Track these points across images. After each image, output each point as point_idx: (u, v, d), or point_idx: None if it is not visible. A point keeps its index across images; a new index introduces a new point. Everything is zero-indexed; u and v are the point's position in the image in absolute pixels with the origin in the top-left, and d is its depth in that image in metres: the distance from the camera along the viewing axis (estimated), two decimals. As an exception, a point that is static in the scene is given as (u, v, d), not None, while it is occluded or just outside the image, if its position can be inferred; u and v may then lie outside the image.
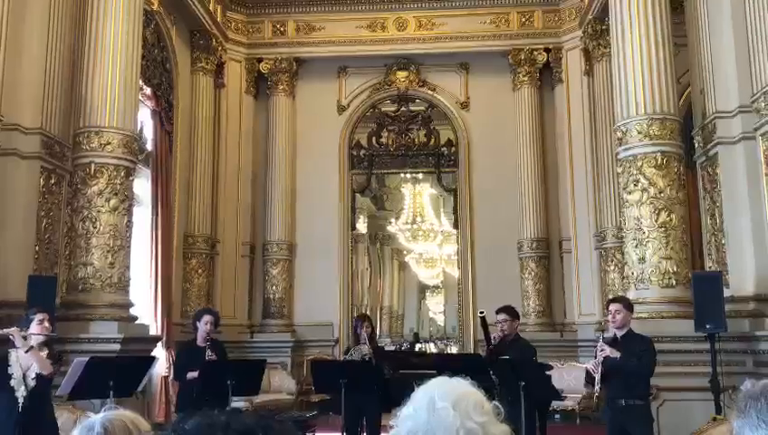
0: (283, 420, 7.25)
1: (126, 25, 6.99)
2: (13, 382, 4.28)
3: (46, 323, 4.46)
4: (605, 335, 5.11)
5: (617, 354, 4.84)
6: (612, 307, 5.11)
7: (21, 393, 4.26)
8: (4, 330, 4.33)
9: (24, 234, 6.19)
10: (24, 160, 6.19)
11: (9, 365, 4.31)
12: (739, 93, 6.36)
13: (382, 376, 6.04)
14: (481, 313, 6.22)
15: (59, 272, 6.61)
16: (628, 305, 5.18)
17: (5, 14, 5.85)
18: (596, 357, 4.98)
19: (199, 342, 5.75)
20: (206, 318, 5.76)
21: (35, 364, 4.28)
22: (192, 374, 5.47)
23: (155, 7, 8.78)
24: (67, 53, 6.78)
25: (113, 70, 6.84)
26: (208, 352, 5.56)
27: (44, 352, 4.41)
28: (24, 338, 4.32)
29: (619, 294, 8.16)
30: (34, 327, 4.40)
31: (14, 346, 4.32)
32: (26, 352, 4.28)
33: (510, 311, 6.05)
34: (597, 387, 4.92)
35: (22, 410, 4.24)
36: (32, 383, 4.29)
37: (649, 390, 5.14)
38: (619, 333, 5.01)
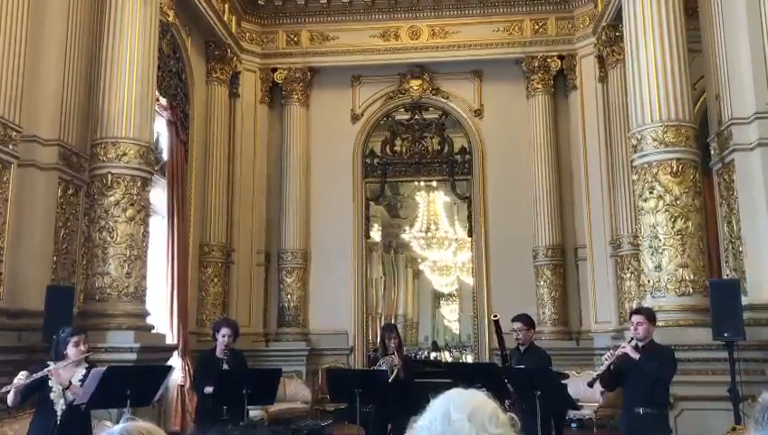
0: (298, 428, 7.24)
1: (142, 37, 7.07)
2: (52, 395, 4.32)
3: (82, 346, 4.45)
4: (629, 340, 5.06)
5: (636, 355, 4.81)
6: (635, 318, 5.05)
7: (60, 407, 4.30)
8: (44, 371, 4.30)
9: (43, 244, 6.26)
10: (42, 172, 6.27)
11: (49, 379, 4.34)
12: (755, 99, 6.31)
13: (413, 391, 6.03)
14: (495, 316, 6.20)
15: (76, 281, 6.67)
16: (651, 317, 5.11)
17: (24, 27, 5.94)
18: (616, 349, 4.98)
19: (218, 353, 5.77)
20: (224, 331, 5.78)
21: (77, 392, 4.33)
22: (209, 389, 5.51)
23: (170, 19, 8.87)
24: (84, 65, 6.87)
25: (130, 81, 6.91)
26: (224, 365, 5.57)
27: (82, 369, 4.44)
28: (59, 371, 4.35)
29: (636, 302, 8.12)
30: (71, 350, 4.41)
31: (48, 373, 4.33)
32: (65, 389, 4.31)
33: (525, 319, 6.02)
34: (601, 369, 4.95)
35: (60, 423, 4.27)
36: (71, 397, 4.32)
37: (668, 399, 5.09)
38: (641, 344, 4.95)
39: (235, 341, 5.89)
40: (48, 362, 4.39)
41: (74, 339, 4.44)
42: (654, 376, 4.81)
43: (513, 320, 6.05)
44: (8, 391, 4.19)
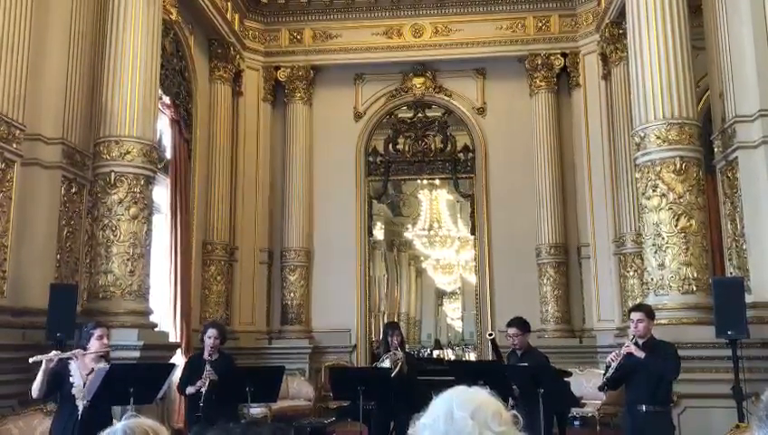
0: (301, 426, 7.25)
1: (145, 36, 7.07)
2: (74, 391, 4.36)
3: (105, 340, 4.57)
4: (631, 338, 5.01)
5: (641, 354, 4.78)
6: (635, 316, 5.03)
7: (82, 402, 4.34)
8: (68, 353, 4.42)
9: (46, 242, 6.27)
10: (45, 170, 6.29)
11: (71, 375, 4.39)
12: (759, 97, 6.29)
13: (417, 387, 6.04)
14: (490, 334, 6.23)
15: (80, 280, 6.68)
16: (651, 314, 5.10)
17: (27, 26, 5.95)
18: (620, 349, 4.94)
19: (205, 355, 5.77)
20: (210, 332, 5.76)
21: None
22: (191, 389, 5.52)
23: (173, 17, 8.88)
24: (87, 64, 6.88)
25: (133, 80, 6.92)
26: (208, 368, 5.53)
27: (102, 365, 4.48)
28: (83, 356, 4.43)
29: (639, 300, 8.11)
30: (94, 343, 4.51)
31: (74, 355, 4.42)
32: (89, 375, 4.38)
33: (520, 324, 6.02)
34: (610, 372, 4.88)
35: (81, 419, 4.30)
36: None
37: (671, 396, 5.07)
38: (641, 341, 4.93)
39: (223, 343, 5.87)
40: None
41: (98, 332, 4.55)
42: (659, 374, 4.79)
43: (508, 325, 6.04)
44: (39, 361, 4.27)
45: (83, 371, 4.40)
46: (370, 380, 6.07)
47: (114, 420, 4.57)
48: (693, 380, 5.86)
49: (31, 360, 4.32)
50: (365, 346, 10.98)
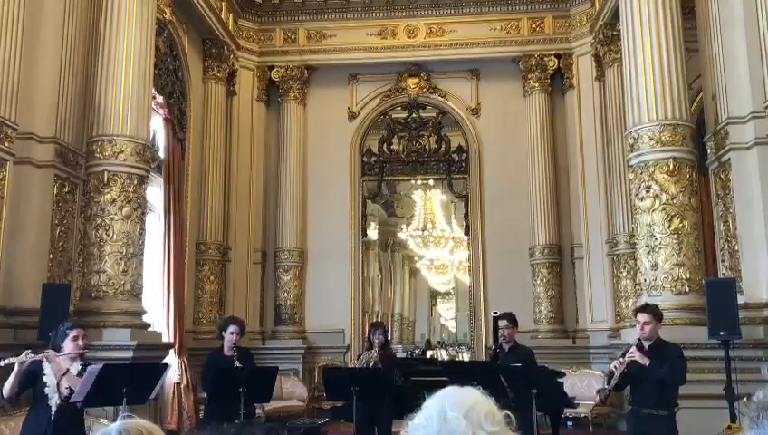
0: (294, 426, 7.25)
1: (139, 35, 7.06)
2: (47, 390, 4.30)
3: (80, 342, 4.44)
4: (636, 342, 4.80)
5: (646, 361, 4.62)
6: (641, 317, 4.80)
7: (54, 401, 4.28)
8: (39, 355, 4.32)
9: (38, 242, 6.25)
10: (38, 169, 6.26)
11: (44, 374, 4.33)
12: (752, 99, 6.33)
13: (393, 383, 6.11)
14: (495, 313, 6.29)
15: (72, 279, 6.66)
16: (658, 315, 4.87)
17: (21, 24, 5.92)
18: (624, 357, 4.73)
19: (226, 351, 5.80)
20: (232, 328, 5.83)
21: (71, 383, 4.32)
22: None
23: (167, 16, 8.86)
24: (81, 63, 6.86)
25: (126, 79, 6.90)
26: (236, 362, 5.61)
27: (77, 365, 4.42)
28: (56, 357, 4.35)
29: (632, 300, 8.13)
30: (68, 344, 4.41)
31: (46, 357, 4.34)
32: (62, 375, 4.31)
33: (511, 318, 6.08)
34: (612, 382, 4.72)
35: (54, 419, 4.26)
36: (65, 392, 4.30)
37: (675, 400, 4.85)
38: (647, 344, 4.75)
39: (241, 338, 5.94)
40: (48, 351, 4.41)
41: (73, 333, 4.44)
42: (664, 381, 4.64)
43: (499, 318, 6.10)
44: (11, 364, 4.20)
45: (57, 371, 4.33)
46: (364, 380, 6.09)
47: (86, 420, 4.55)
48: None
49: (2, 362, 4.24)
50: (359, 346, 10.96)
